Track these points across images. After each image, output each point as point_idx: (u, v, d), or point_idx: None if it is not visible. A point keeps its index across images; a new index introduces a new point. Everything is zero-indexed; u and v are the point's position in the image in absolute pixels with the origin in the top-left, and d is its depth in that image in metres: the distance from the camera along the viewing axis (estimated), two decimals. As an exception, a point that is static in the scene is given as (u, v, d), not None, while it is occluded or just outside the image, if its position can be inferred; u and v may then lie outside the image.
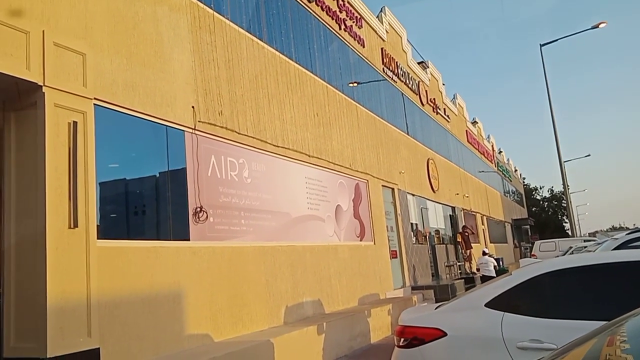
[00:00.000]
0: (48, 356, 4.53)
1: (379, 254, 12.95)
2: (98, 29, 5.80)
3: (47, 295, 4.62)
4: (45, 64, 4.96)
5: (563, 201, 64.53)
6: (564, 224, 68.60)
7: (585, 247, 15.35)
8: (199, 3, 7.66)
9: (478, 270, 16.64)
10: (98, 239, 5.27)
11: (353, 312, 9.59)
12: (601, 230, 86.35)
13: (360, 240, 12.14)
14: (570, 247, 17.56)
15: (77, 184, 5.03)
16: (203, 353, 6.03)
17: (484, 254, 16.52)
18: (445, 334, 3.67)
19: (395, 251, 14.31)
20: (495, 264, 16.05)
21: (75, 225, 4.95)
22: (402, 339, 3.89)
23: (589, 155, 50.20)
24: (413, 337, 3.81)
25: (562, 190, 37.24)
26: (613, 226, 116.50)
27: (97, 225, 5.34)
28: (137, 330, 5.66)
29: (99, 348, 5.01)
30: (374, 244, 12.78)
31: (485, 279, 14.63)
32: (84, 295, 4.96)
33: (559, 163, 23.38)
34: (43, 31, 5.00)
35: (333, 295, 10.18)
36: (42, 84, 4.91)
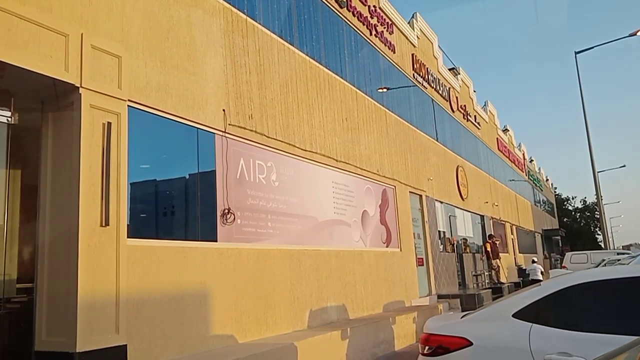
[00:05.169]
0: (77, 351, 4.64)
1: (405, 261, 12.86)
2: (134, 32, 5.94)
3: (77, 292, 4.73)
4: (83, 66, 5.10)
5: (596, 212, 62.94)
6: (597, 236, 66.86)
7: (618, 260, 14.96)
8: (233, 8, 7.77)
9: (528, 275, 19.61)
10: (128, 237, 5.39)
11: (377, 319, 9.53)
12: (635, 244, 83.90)
13: (387, 247, 12.08)
14: (603, 260, 17.14)
15: (109, 184, 5.15)
16: (227, 354, 6.08)
17: (533, 262, 20.37)
18: (471, 344, 3.62)
19: (422, 259, 14.18)
20: (543, 270, 19.83)
21: (107, 224, 5.07)
22: (427, 347, 3.86)
23: (624, 166, 49.00)
24: (438, 346, 3.78)
25: (595, 201, 36.37)
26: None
27: (128, 225, 5.45)
28: (163, 329, 5.75)
29: (126, 345, 5.11)
30: (400, 250, 12.70)
31: (534, 282, 16.60)
32: (113, 293, 5.07)
33: (592, 173, 22.87)
34: (82, 34, 5.15)
35: (357, 301, 10.14)
36: (79, 86, 5.05)
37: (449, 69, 20.87)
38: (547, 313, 3.57)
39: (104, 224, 5.05)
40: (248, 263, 7.28)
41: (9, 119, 5.10)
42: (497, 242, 19.86)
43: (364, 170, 11.39)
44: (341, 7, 11.47)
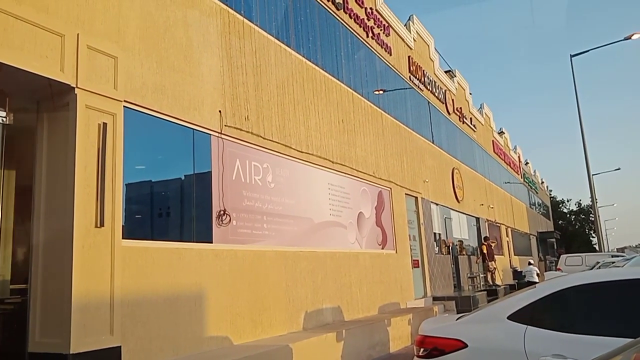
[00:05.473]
0: (71, 352, 4.62)
1: (401, 263, 12.86)
2: (130, 32, 5.93)
3: (72, 293, 4.71)
4: (79, 67, 5.09)
5: (591, 215, 63.14)
6: (592, 239, 67.04)
7: (613, 262, 15.04)
8: (230, 9, 7.77)
9: (524, 277, 20.05)
10: (123, 238, 5.37)
11: (373, 321, 9.53)
12: (630, 246, 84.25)
13: (382, 249, 12.08)
14: (598, 262, 17.23)
15: (104, 184, 5.14)
16: (222, 356, 6.07)
17: (529, 264, 20.72)
18: (466, 346, 3.63)
19: (418, 260, 14.19)
20: (538, 272, 20.37)
21: (102, 225, 5.05)
22: (422, 349, 3.86)
23: (618, 169, 49.11)
24: (433, 348, 3.78)
25: (590, 203, 36.50)
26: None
27: (123, 225, 5.44)
28: (158, 330, 5.73)
29: (120, 346, 5.09)
30: (396, 252, 12.70)
31: (530, 284, 16.78)
32: (107, 294, 5.05)
33: (587, 176, 22.93)
34: (78, 34, 5.13)
35: (353, 303, 10.14)
36: (74, 86, 5.04)
37: (445, 72, 20.91)
38: (542, 315, 3.57)
39: (98, 225, 5.03)
40: (243, 264, 7.27)
41: (4, 119, 5.07)
42: (493, 245, 19.88)
43: (360, 172, 11.39)
44: (338, 9, 11.48)
